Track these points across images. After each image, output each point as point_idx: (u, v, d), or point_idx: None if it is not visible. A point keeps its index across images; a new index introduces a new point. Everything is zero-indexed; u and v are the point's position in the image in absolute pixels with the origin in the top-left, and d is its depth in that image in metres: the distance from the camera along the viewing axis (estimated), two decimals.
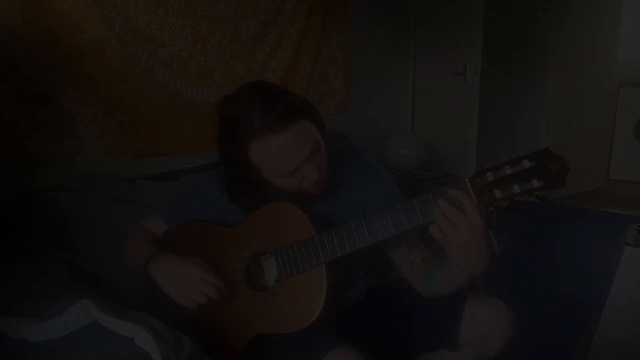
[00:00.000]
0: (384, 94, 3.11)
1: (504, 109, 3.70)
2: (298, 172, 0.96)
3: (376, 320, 1.13)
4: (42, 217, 1.32)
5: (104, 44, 1.51)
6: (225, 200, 1.10)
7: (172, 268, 1.04)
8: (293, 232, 1.01)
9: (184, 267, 1.03)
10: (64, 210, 1.36)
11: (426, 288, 1.04)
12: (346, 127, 2.39)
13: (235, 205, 1.08)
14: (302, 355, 0.94)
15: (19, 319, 0.87)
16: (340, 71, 2.62)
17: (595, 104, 3.49)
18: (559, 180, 0.75)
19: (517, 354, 1.09)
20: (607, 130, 3.66)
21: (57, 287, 1.05)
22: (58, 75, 1.43)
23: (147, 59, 1.66)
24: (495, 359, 1.04)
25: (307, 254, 0.97)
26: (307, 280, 0.98)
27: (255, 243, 1.06)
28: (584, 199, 3.55)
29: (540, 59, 3.37)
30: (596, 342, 1.76)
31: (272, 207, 1.06)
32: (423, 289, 1.05)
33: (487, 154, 3.41)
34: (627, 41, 3.53)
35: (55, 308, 0.88)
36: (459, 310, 1.04)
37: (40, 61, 1.39)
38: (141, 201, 1.50)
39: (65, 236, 1.33)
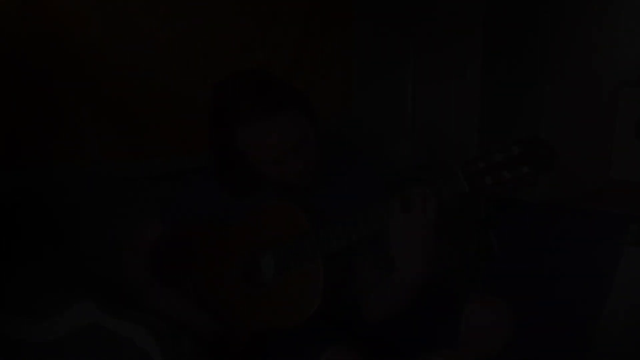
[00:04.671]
0: (384, 94, 3.11)
1: (504, 108, 3.70)
2: (282, 161, 0.96)
3: None
4: (42, 217, 1.32)
5: (104, 44, 1.51)
6: (223, 199, 1.10)
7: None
8: (290, 228, 1.01)
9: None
10: (63, 210, 1.36)
11: (365, 306, 1.04)
12: (346, 127, 2.39)
13: (225, 190, 1.08)
14: (300, 354, 0.94)
15: (19, 319, 0.87)
16: (341, 71, 2.62)
17: (595, 103, 3.49)
18: (547, 164, 0.76)
19: (518, 354, 1.09)
20: (607, 130, 3.66)
21: (57, 287, 1.05)
22: (58, 75, 1.43)
23: (147, 59, 1.67)
24: (496, 359, 1.03)
25: (304, 249, 0.98)
26: (305, 276, 0.98)
27: (253, 241, 1.07)
28: (584, 199, 3.55)
29: (540, 58, 3.36)
30: (596, 342, 1.76)
31: (270, 205, 1.06)
32: (363, 307, 1.05)
33: None
34: (627, 41, 3.53)
35: (55, 308, 0.88)
36: (459, 310, 1.04)
37: (40, 61, 1.39)
38: (141, 201, 1.50)
39: (65, 236, 1.33)
